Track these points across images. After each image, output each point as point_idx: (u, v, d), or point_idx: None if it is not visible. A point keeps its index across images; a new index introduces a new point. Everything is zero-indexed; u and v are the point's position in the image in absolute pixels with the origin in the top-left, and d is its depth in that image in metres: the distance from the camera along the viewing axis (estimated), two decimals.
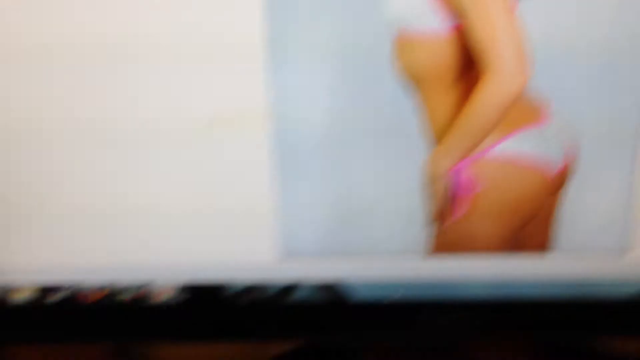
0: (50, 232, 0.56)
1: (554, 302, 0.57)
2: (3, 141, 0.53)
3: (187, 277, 0.57)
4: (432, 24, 0.50)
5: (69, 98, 0.51)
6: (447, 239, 0.55)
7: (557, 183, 0.53)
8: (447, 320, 0.57)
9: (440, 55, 0.51)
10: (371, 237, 0.56)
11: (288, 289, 0.57)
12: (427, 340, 0.58)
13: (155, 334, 0.60)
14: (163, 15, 0.49)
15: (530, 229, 0.55)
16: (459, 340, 0.58)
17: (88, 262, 0.57)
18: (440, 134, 0.52)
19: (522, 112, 0.51)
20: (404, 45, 0.50)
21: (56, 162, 0.54)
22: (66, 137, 0.53)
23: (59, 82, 0.51)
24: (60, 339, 0.60)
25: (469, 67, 0.50)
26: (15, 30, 0.50)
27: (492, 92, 0.49)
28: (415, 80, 0.51)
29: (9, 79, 0.51)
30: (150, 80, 0.51)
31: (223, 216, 0.55)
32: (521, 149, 0.52)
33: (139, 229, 0.56)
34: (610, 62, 0.50)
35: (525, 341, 0.60)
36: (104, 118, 0.52)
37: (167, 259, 0.56)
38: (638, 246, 0.55)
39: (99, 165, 0.54)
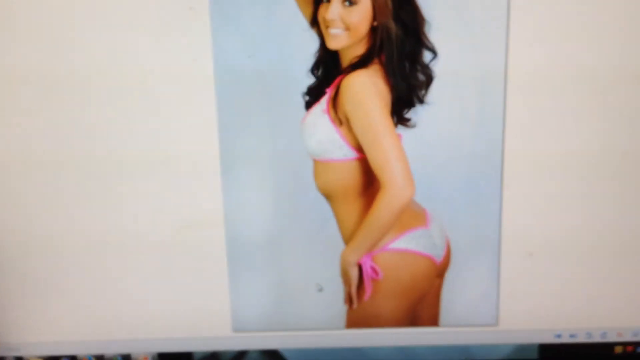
0: (52, 316, 0.58)
1: None
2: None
3: (162, 348, 0.59)
4: (339, 155, 0.54)
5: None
6: (359, 315, 0.58)
7: (441, 269, 0.57)
8: None
9: (347, 177, 0.55)
10: (302, 314, 0.58)
11: (240, 355, 0.58)
12: None
13: None
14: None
15: (423, 307, 0.57)
16: None
17: (81, 337, 0.59)
18: (349, 235, 0.56)
19: (410, 217, 0.55)
20: (320, 169, 0.55)
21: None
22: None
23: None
24: None
25: (368, 185, 0.55)
26: None
27: (387, 202, 0.53)
28: (330, 194, 0.55)
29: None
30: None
31: (188, 299, 0.58)
32: (411, 244, 0.56)
33: (126, 313, 0.58)
34: (471, 178, 0.54)
35: None
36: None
37: (145, 334, 0.59)
38: (505, 320, 0.58)
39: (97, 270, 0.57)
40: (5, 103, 0.53)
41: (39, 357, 0.60)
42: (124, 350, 0.60)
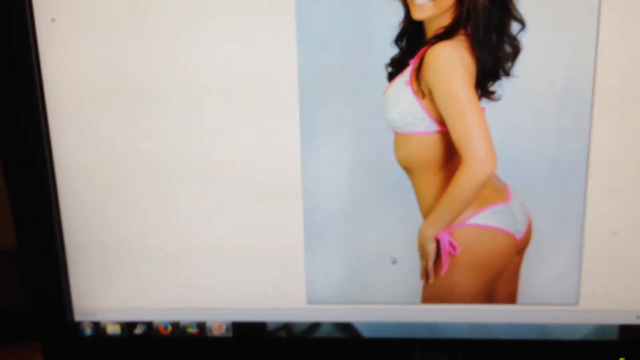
0: (130, 282, 0.61)
1: (521, 341, 0.60)
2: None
3: (236, 317, 0.61)
4: (420, 128, 0.54)
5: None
6: (435, 290, 0.58)
7: (521, 246, 0.57)
8: (435, 355, 0.60)
9: (427, 150, 0.55)
10: (377, 288, 0.59)
11: (313, 327, 0.60)
12: None
13: None
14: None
15: (500, 284, 0.58)
16: None
17: (158, 304, 0.62)
18: (428, 209, 0.56)
19: (491, 192, 0.55)
20: (400, 141, 0.55)
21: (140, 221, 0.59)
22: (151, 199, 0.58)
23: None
24: None
25: (449, 158, 0.55)
26: None
27: (468, 177, 0.54)
28: (409, 167, 0.56)
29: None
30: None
31: (263, 270, 0.60)
32: (491, 219, 0.56)
33: (202, 282, 0.60)
34: (556, 154, 0.54)
35: None
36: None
37: (220, 303, 0.61)
38: (586, 299, 0.58)
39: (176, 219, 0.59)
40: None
41: (115, 323, 0.62)
42: (199, 318, 0.62)
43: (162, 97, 0.55)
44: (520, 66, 0.52)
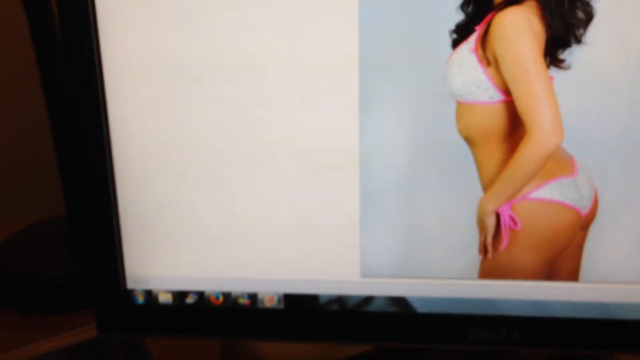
0: (183, 251, 0.61)
1: (581, 320, 0.58)
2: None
3: (288, 289, 0.61)
4: (484, 98, 0.53)
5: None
6: (493, 266, 0.57)
7: (586, 221, 0.55)
8: (491, 332, 0.59)
9: (491, 120, 0.54)
10: (433, 262, 0.58)
11: (366, 301, 0.59)
12: (475, 347, 0.59)
13: (262, 333, 0.63)
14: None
15: (562, 260, 0.56)
16: (501, 349, 0.59)
17: (210, 274, 0.61)
18: (489, 181, 0.55)
19: (556, 165, 0.54)
20: (463, 111, 0.53)
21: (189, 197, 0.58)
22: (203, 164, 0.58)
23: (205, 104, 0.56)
24: (193, 332, 0.64)
25: (513, 129, 0.53)
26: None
27: (532, 149, 0.52)
28: (471, 138, 0.54)
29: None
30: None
31: (317, 242, 0.59)
32: (556, 194, 0.54)
33: (255, 253, 0.60)
34: (626, 126, 0.52)
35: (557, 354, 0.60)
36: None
37: (273, 275, 0.60)
38: None
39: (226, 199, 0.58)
40: None
41: (167, 292, 0.62)
42: (251, 289, 0.61)
43: (215, 65, 0.54)
44: (592, 33, 0.50)
